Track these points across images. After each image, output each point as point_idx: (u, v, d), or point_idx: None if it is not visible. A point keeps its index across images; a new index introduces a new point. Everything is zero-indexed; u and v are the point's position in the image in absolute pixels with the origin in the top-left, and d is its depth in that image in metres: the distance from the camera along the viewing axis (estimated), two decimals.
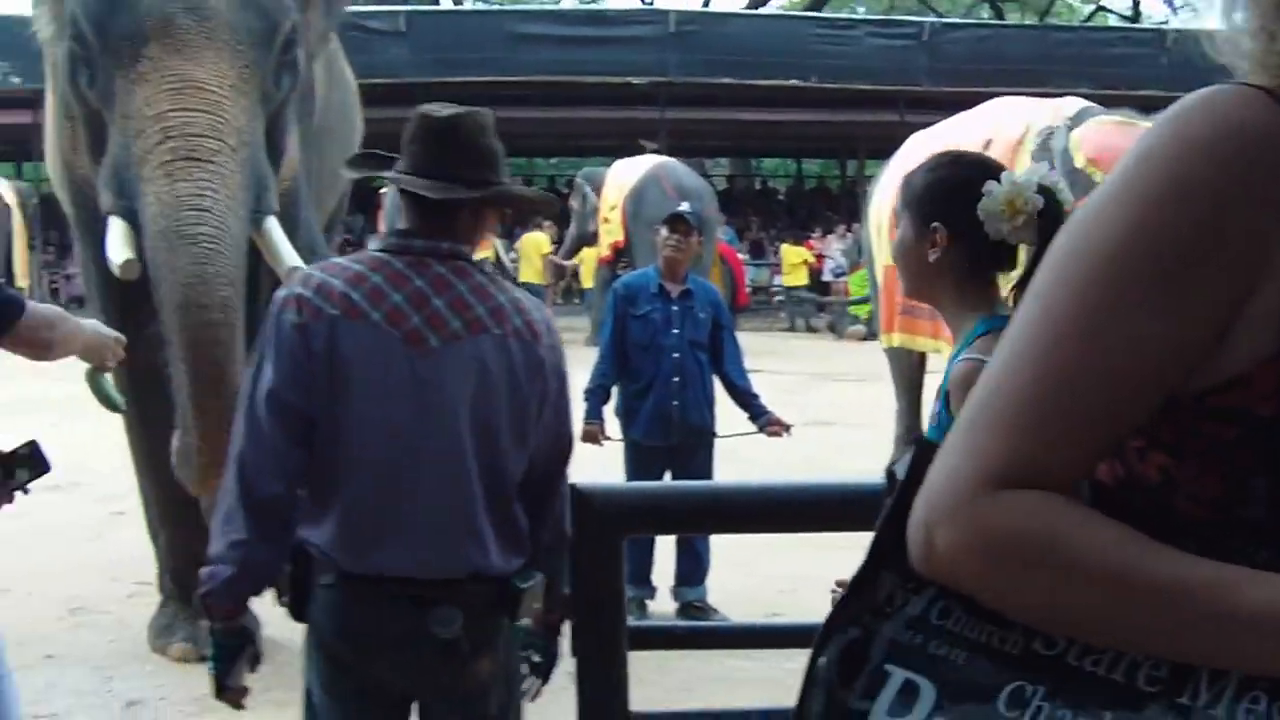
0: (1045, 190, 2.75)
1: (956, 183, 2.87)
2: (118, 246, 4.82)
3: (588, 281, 22.92)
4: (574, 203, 22.44)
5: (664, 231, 6.85)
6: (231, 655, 3.11)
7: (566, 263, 24.09)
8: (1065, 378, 1.28)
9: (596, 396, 6.71)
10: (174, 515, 5.95)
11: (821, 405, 13.87)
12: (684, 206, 7.38)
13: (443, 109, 3.34)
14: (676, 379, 6.62)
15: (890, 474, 1.44)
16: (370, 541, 3.08)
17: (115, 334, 3.60)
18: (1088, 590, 1.24)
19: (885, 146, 28.07)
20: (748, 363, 7.00)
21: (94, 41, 4.89)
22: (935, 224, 2.88)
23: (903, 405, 10.39)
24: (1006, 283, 2.90)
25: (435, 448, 3.10)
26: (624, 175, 19.85)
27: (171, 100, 4.74)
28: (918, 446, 1.41)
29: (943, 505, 1.30)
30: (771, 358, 16.98)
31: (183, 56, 4.78)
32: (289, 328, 3.06)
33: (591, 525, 3.26)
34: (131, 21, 4.80)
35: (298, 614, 3.17)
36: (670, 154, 22.05)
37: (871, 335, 18.93)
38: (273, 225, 5.07)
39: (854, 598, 1.43)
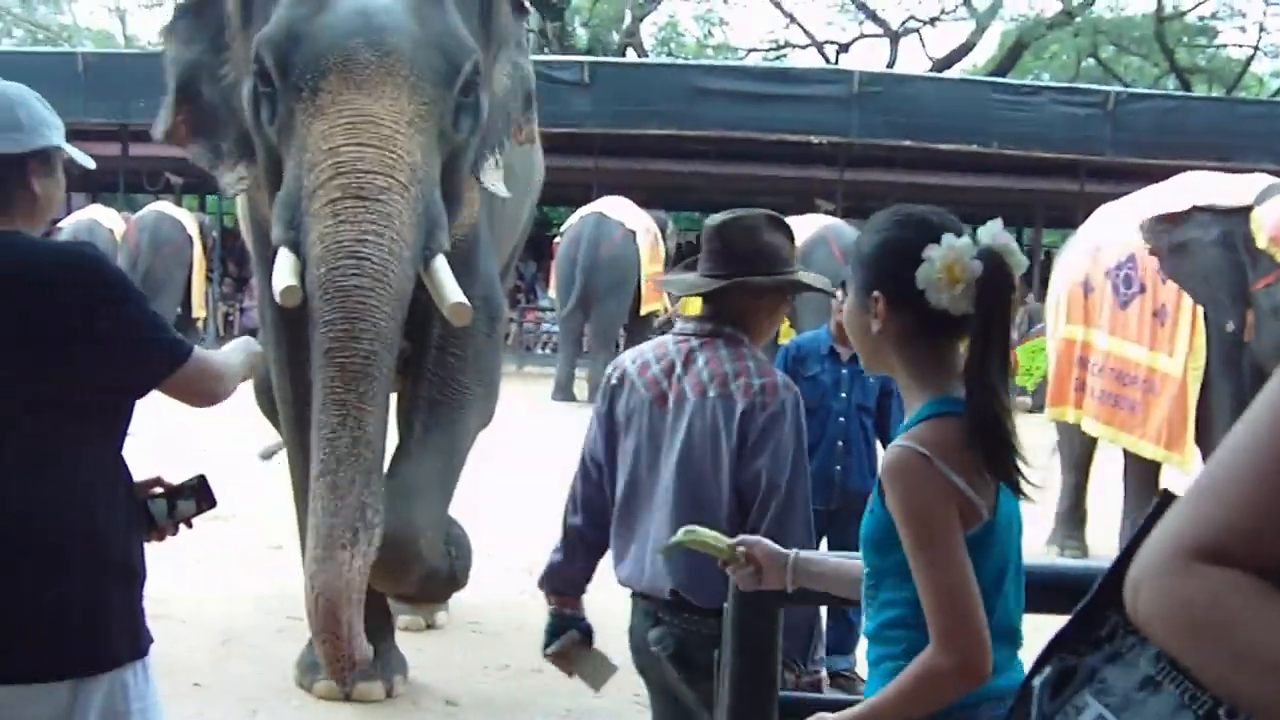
0: (991, 254, 2.57)
1: (896, 247, 2.67)
2: (282, 274, 4.83)
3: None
4: None
5: (840, 295, 6.78)
6: (554, 632, 4.21)
7: None
8: None
9: None
10: None
11: None
12: None
13: (724, 216, 4.04)
14: (841, 443, 6.52)
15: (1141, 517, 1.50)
16: (620, 559, 4.05)
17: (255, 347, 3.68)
18: (1257, 673, 1.24)
19: (1063, 216, 27.95)
20: None
21: (275, 76, 4.92)
22: (875, 292, 2.69)
23: (1068, 482, 10.18)
24: None
25: (654, 487, 3.92)
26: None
27: (346, 135, 4.76)
28: (1161, 497, 1.45)
29: (1151, 566, 1.33)
30: None
31: (361, 91, 4.79)
32: (598, 398, 4.12)
33: (749, 594, 3.18)
34: (312, 56, 4.84)
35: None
36: (845, 215, 21.96)
37: (1038, 408, 18.62)
38: (440, 264, 5.04)
39: (1077, 629, 1.52)
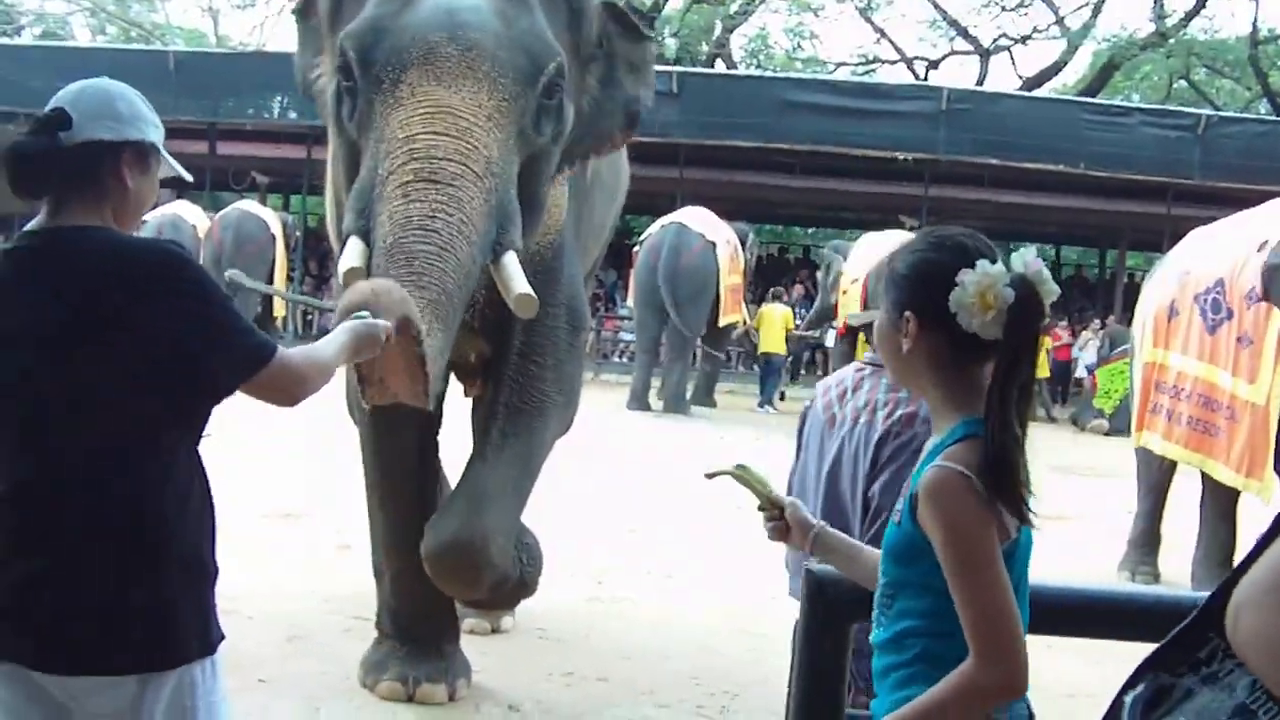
0: (1024, 282, 2.57)
1: (931, 269, 2.67)
2: (349, 258, 4.77)
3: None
4: (820, 275, 22.45)
5: None
6: None
7: (809, 333, 24.07)
8: None
9: None
10: (399, 557, 5.95)
11: (1056, 499, 13.59)
12: None
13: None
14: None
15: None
16: (794, 574, 4.18)
17: (379, 324, 3.57)
18: None
19: (1149, 239, 27.68)
20: None
21: (357, 70, 4.94)
22: (907, 313, 2.69)
23: (1144, 507, 10.08)
24: None
25: (812, 502, 4.09)
26: (869, 250, 19.74)
27: (423, 124, 4.75)
28: (1275, 520, 1.47)
29: (1255, 590, 1.35)
30: None
31: (441, 84, 4.80)
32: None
33: (821, 610, 3.18)
34: (395, 49, 4.85)
35: None
36: None
37: (1115, 431, 18.46)
38: (510, 259, 4.97)
39: (1176, 648, 1.51)
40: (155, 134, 3.19)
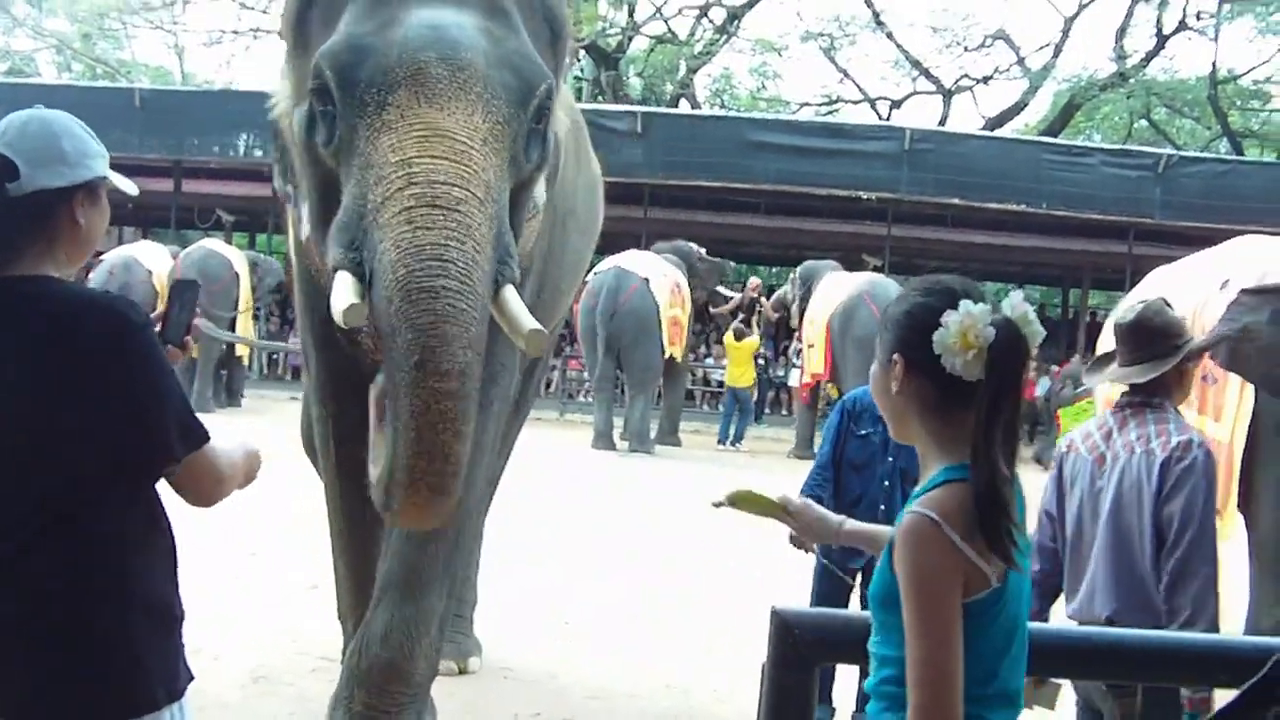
0: (1007, 323, 2.60)
1: (918, 312, 2.72)
2: (343, 294, 4.36)
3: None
4: (787, 288, 22.75)
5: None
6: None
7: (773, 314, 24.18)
8: None
9: None
10: (364, 603, 5.89)
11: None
12: None
13: (1138, 310, 4.94)
14: (882, 507, 6.42)
15: None
16: (1070, 596, 4.79)
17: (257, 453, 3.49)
18: None
19: (1111, 278, 27.71)
20: None
21: (337, 92, 4.61)
22: (895, 354, 2.73)
23: None
24: None
25: (1094, 533, 4.70)
26: (831, 293, 19.74)
27: (419, 147, 4.43)
28: None
29: None
30: None
31: (433, 105, 4.49)
32: (1053, 463, 5.05)
33: (788, 650, 3.15)
34: (380, 70, 4.54)
35: None
36: (892, 271, 21.91)
37: None
38: (511, 293, 4.63)
39: (1240, 711, 1.56)
40: (102, 165, 3.13)
